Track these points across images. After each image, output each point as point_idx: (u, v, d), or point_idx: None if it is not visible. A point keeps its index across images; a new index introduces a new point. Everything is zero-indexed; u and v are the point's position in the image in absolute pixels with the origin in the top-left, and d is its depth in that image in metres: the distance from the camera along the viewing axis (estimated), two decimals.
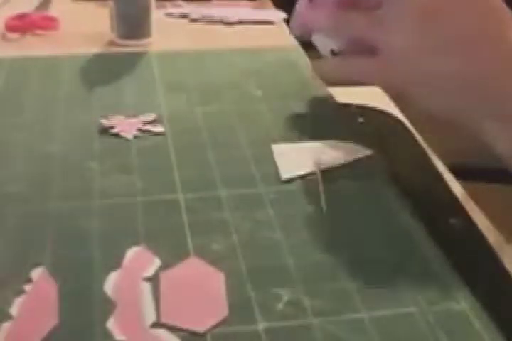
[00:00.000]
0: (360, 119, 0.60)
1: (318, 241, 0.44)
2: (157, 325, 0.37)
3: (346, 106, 0.62)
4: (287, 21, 0.83)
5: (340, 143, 0.55)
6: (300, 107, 0.62)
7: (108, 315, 0.37)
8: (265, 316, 0.38)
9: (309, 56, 0.72)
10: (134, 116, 0.59)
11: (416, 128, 0.59)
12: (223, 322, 0.37)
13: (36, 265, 0.41)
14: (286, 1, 0.68)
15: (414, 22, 0.42)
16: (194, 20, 0.86)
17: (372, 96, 0.61)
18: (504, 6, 0.41)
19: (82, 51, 0.73)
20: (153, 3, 0.75)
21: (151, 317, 0.37)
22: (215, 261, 0.42)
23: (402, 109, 0.60)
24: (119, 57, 0.72)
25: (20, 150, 0.54)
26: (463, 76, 0.41)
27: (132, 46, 0.75)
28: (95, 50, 0.74)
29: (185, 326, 0.37)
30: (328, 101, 0.63)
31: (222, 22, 0.85)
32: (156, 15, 0.77)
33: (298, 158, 0.53)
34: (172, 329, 0.37)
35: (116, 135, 0.56)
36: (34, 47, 0.76)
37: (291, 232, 0.45)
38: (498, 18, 0.41)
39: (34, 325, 0.37)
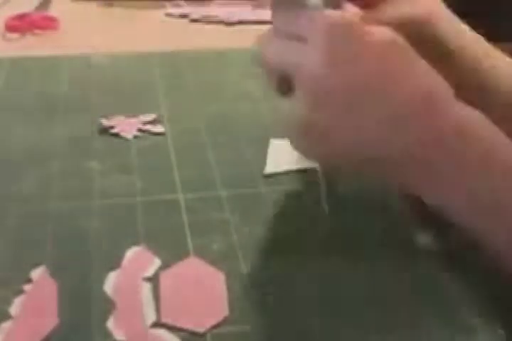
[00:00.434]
0: None
1: (319, 241, 0.44)
2: (157, 325, 0.37)
3: None
4: None
5: None
6: None
7: (108, 315, 0.37)
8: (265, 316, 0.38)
9: None
10: (134, 116, 0.59)
11: None
12: (223, 322, 0.37)
13: (36, 265, 0.41)
14: None
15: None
16: (194, 20, 0.86)
17: None
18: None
19: (82, 51, 0.73)
20: None
21: (151, 317, 0.37)
22: (215, 261, 0.42)
23: None
24: (119, 57, 0.72)
25: (21, 150, 0.54)
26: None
27: None
28: (95, 50, 0.74)
29: (185, 326, 0.37)
30: None
31: (222, 22, 0.85)
32: (156, 15, 0.77)
33: (291, 155, 0.52)
34: (172, 329, 0.37)
35: (116, 135, 0.56)
36: (34, 47, 0.76)
37: (292, 232, 0.45)
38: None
39: (34, 325, 0.37)
